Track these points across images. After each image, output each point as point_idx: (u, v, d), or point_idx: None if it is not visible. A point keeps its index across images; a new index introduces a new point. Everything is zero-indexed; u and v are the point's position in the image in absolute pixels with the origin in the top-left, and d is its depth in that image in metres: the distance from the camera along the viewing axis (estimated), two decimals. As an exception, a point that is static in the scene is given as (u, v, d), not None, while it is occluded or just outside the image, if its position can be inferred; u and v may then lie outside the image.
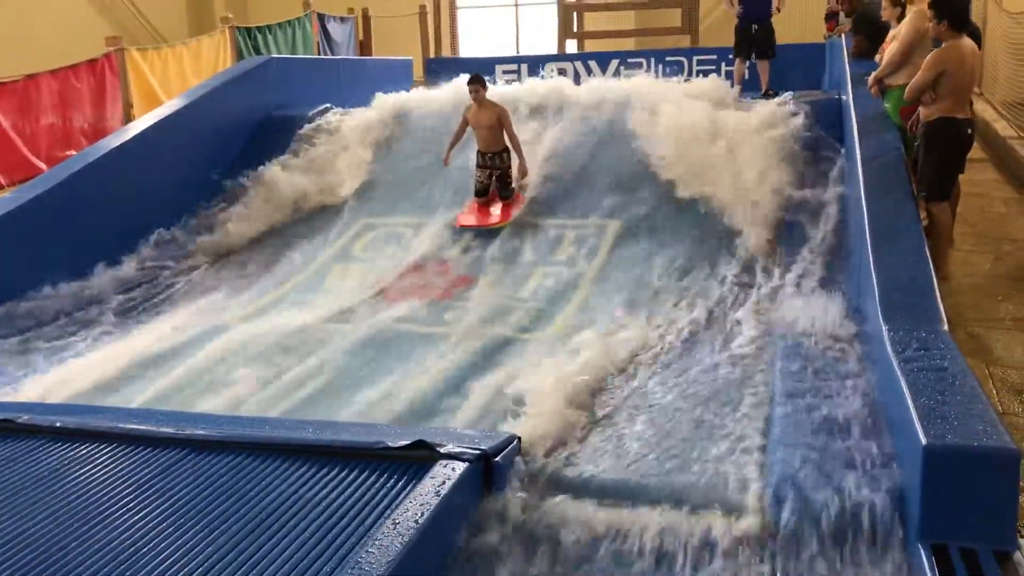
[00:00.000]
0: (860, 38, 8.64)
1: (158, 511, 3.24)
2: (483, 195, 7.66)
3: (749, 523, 3.30)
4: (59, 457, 3.72)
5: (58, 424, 3.98)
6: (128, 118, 11.05)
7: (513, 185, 7.70)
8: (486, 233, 7.28)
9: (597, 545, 3.26)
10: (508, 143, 7.69)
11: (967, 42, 5.89)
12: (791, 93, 8.52)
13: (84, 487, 3.45)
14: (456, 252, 7.12)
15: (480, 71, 8.28)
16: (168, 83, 11.98)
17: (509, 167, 7.72)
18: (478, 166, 7.71)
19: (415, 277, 6.75)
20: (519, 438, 3.85)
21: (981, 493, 2.93)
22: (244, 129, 9.07)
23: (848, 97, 7.47)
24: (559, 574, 3.11)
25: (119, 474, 3.55)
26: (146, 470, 3.57)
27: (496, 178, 7.68)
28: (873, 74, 7.00)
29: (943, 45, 5.86)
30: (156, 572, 2.82)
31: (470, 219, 7.47)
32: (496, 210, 7.58)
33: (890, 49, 6.92)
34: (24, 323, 6.13)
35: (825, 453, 3.52)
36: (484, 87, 7.58)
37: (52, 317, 6.28)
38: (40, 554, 2.97)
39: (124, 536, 3.06)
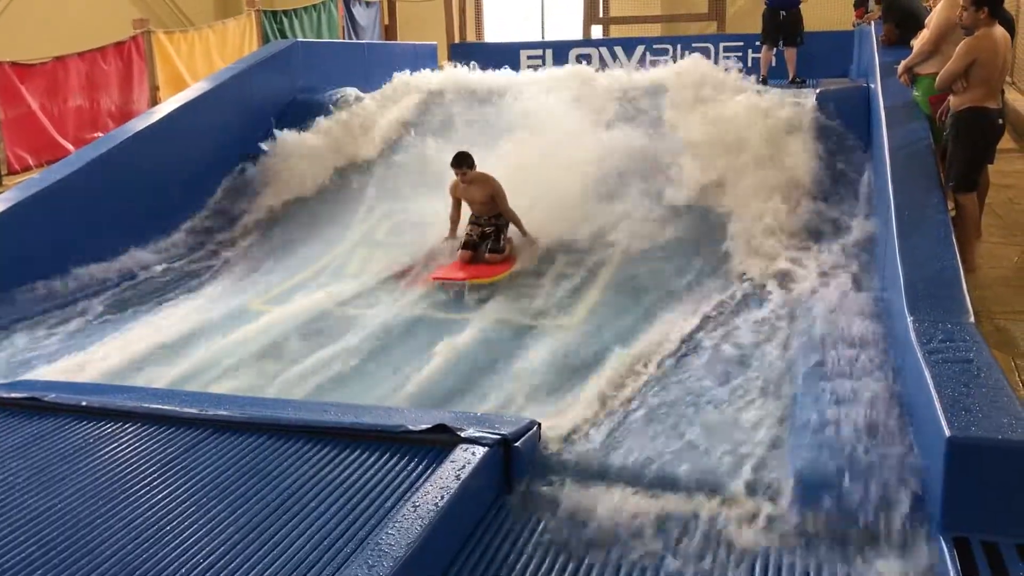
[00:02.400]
0: (890, 26, 8.53)
1: (182, 490, 3.28)
2: (471, 248, 6.74)
3: (770, 511, 3.29)
4: (85, 435, 3.77)
5: (84, 403, 4.04)
6: (154, 100, 11.14)
7: (503, 244, 6.81)
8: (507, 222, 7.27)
9: (617, 530, 3.26)
10: (505, 215, 6.87)
11: (999, 30, 5.81)
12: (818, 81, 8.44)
13: (109, 465, 3.50)
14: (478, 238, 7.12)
15: (505, 56, 8.29)
16: (194, 66, 12.05)
17: (504, 227, 6.88)
18: (471, 222, 6.91)
19: (437, 263, 6.75)
20: (539, 424, 3.86)
21: (1004, 486, 2.91)
22: (269, 112, 9.10)
23: (876, 86, 7.39)
24: (578, 558, 3.12)
25: (143, 453, 3.59)
26: (170, 449, 3.61)
27: (492, 235, 6.82)
28: (903, 62, 6.92)
29: (976, 33, 5.78)
30: (179, 549, 2.86)
31: (453, 272, 6.52)
32: (483, 266, 6.65)
33: (921, 37, 6.83)
34: (45, 305, 6.19)
35: (847, 444, 3.50)
36: (472, 167, 6.76)
37: (72, 299, 6.33)
38: (66, 529, 3.02)
39: (148, 513, 3.11)
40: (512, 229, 6.91)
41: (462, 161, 6.73)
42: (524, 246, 6.89)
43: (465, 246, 6.75)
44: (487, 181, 6.83)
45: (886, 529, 3.11)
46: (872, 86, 7.70)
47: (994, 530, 2.90)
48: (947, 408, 3.08)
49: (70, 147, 10.19)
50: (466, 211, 7.02)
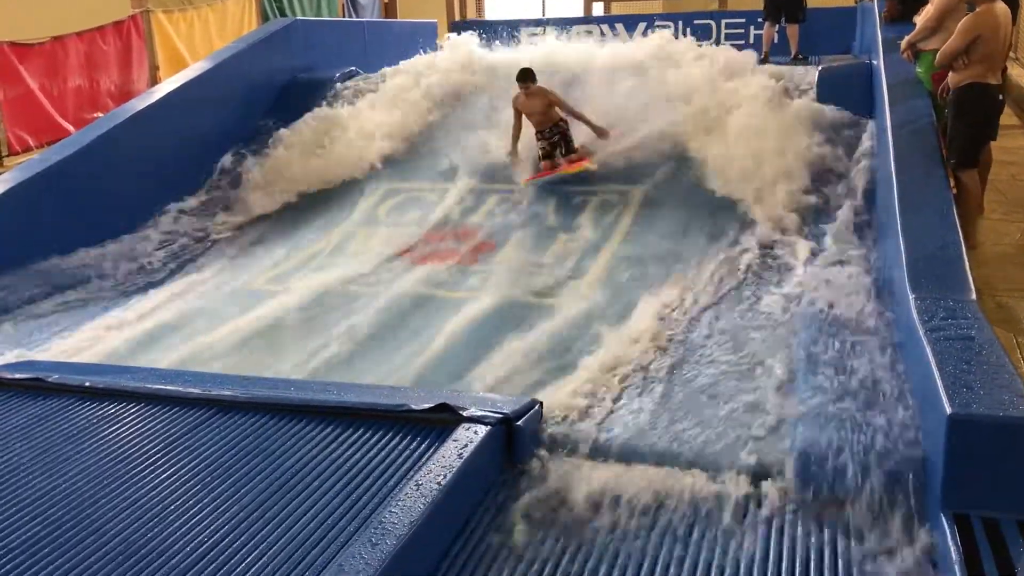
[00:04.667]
0: (892, 2, 8.48)
1: (185, 470, 3.30)
2: (549, 158, 7.58)
3: (772, 489, 3.31)
4: (88, 416, 3.79)
5: (87, 384, 4.05)
6: (154, 80, 11.12)
7: (574, 146, 7.61)
8: (510, 199, 7.26)
9: (619, 507, 3.28)
10: (567, 115, 7.60)
11: (1001, 6, 5.77)
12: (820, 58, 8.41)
13: (113, 445, 3.51)
14: (480, 217, 7.13)
15: (505, 34, 8.25)
16: (193, 45, 12.02)
17: (567, 130, 7.63)
18: (538, 139, 7.63)
19: (439, 241, 6.77)
20: (541, 403, 3.87)
21: (1005, 463, 2.91)
22: (269, 92, 9.07)
23: (879, 62, 7.35)
24: (580, 534, 3.13)
25: (147, 433, 3.61)
26: (173, 429, 3.63)
27: (560, 142, 7.61)
28: (906, 38, 6.88)
29: (977, 9, 5.74)
30: (183, 528, 2.88)
31: (542, 173, 7.47)
32: (564, 164, 7.54)
33: (924, 13, 6.79)
34: (46, 287, 6.18)
35: (849, 421, 3.51)
36: (534, 80, 7.52)
37: (75, 281, 6.32)
38: (70, 509, 3.04)
39: (152, 493, 3.12)
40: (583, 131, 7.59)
41: (526, 76, 7.51)
42: (598, 142, 7.62)
43: (544, 158, 7.59)
44: (541, 90, 7.57)
45: (887, 506, 3.12)
46: (875, 63, 7.66)
47: (995, 507, 2.91)
48: (948, 385, 3.09)
49: (70, 128, 10.18)
50: (529, 131, 7.68)
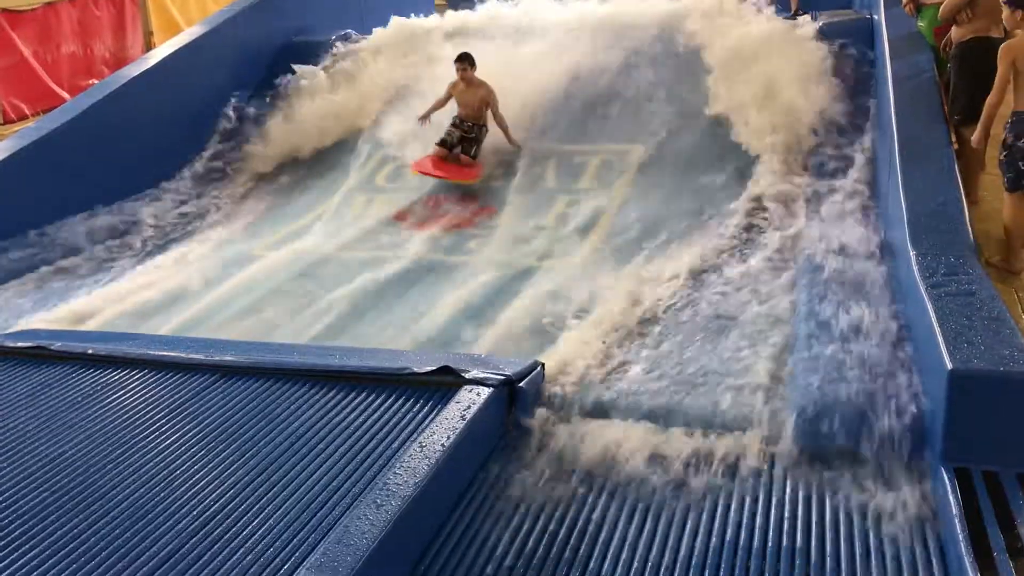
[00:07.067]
0: (894, -45, 8.37)
1: (190, 435, 3.32)
2: (447, 147, 7.13)
3: (772, 444, 3.33)
4: (92, 382, 3.81)
5: (90, 351, 4.07)
6: (148, 46, 11.02)
7: (476, 152, 7.23)
8: (508, 162, 7.22)
9: (621, 466, 3.30)
10: (494, 122, 7.24)
11: (1005, -42, 5.69)
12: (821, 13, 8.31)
13: (117, 411, 3.54)
14: (479, 181, 7.09)
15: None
16: (187, 10, 11.90)
17: (482, 138, 7.27)
18: (453, 124, 7.24)
19: (438, 206, 6.74)
20: (543, 364, 3.88)
21: (1005, 418, 2.93)
22: (265, 56, 8.98)
23: (880, 16, 7.27)
24: (583, 494, 3.16)
25: (151, 399, 3.63)
26: (177, 395, 3.65)
27: (467, 139, 7.21)
28: (908, -8, 6.81)
29: (980, -40, 5.67)
30: (189, 494, 2.91)
31: (427, 167, 7.03)
32: (455, 166, 7.11)
33: (926, -33, 6.71)
34: (46, 256, 6.18)
35: (849, 376, 3.52)
36: (472, 66, 7.16)
37: (73, 249, 6.30)
38: (77, 475, 3.06)
39: (157, 459, 3.15)
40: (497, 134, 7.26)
41: (465, 58, 7.16)
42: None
43: (442, 143, 7.13)
44: (483, 86, 7.20)
45: (888, 460, 3.14)
46: (876, 17, 7.58)
47: (995, 460, 2.93)
48: (949, 341, 3.10)
49: (65, 95, 10.12)
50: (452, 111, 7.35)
